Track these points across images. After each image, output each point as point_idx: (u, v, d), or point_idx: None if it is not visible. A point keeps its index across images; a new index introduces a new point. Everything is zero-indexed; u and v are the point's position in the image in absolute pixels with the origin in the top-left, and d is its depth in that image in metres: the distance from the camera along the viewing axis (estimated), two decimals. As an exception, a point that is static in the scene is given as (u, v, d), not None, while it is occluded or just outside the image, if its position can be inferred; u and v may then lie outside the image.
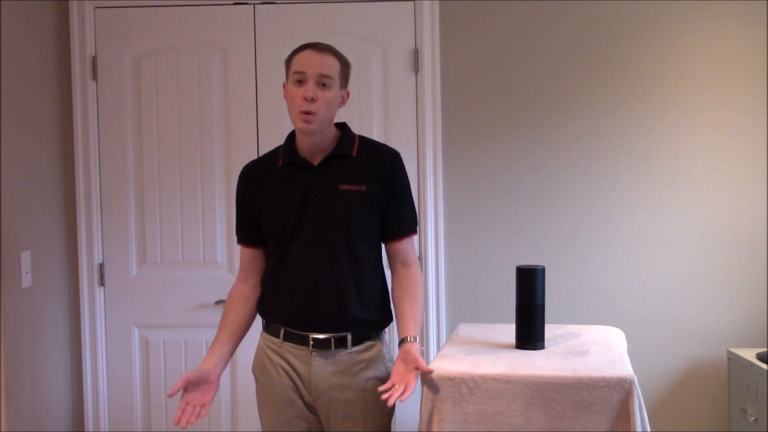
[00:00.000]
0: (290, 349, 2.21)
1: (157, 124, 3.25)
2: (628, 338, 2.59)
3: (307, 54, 2.13)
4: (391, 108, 3.21)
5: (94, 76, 3.24)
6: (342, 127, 2.27)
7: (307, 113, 2.10)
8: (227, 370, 3.27)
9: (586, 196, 3.19)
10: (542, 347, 2.33)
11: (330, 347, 2.18)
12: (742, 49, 3.13)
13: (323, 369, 2.19)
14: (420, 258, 3.22)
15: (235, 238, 3.21)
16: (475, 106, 3.21)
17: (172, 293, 3.26)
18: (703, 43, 3.14)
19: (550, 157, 3.19)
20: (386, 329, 2.31)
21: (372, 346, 2.24)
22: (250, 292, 2.31)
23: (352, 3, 3.20)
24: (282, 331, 2.22)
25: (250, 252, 2.30)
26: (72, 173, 3.24)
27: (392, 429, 3.25)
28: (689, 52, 3.15)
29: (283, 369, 2.23)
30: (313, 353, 2.19)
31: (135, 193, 3.26)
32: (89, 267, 3.25)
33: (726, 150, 3.15)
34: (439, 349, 3.15)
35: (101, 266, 3.27)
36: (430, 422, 2.09)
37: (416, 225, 2.31)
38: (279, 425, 2.25)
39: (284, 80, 2.20)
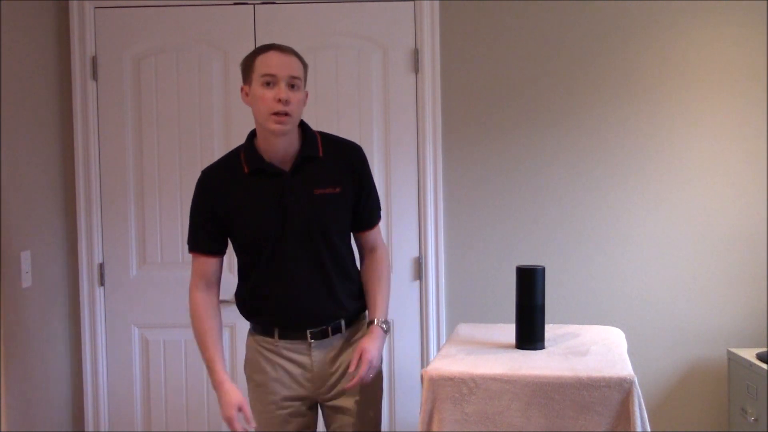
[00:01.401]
0: (287, 345, 2.26)
1: (157, 124, 3.25)
2: (628, 338, 2.59)
3: (274, 56, 2.13)
4: (391, 108, 3.21)
5: (94, 76, 3.24)
6: (301, 126, 2.27)
7: (282, 114, 2.12)
8: (228, 370, 3.26)
9: (587, 197, 3.19)
10: (542, 347, 2.34)
11: (328, 335, 2.26)
12: (742, 50, 3.13)
13: (324, 357, 2.27)
14: (420, 258, 3.22)
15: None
16: (475, 106, 3.21)
17: (172, 293, 3.26)
18: (704, 44, 3.14)
19: (550, 157, 3.19)
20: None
21: (360, 327, 2.34)
22: (216, 301, 2.29)
23: (352, 3, 3.20)
24: (277, 330, 2.26)
25: (213, 261, 2.27)
26: (72, 173, 3.24)
27: (392, 429, 3.27)
28: (690, 53, 3.15)
29: (281, 366, 2.26)
30: (312, 344, 2.25)
31: (135, 193, 3.26)
32: (89, 267, 3.25)
33: (726, 150, 3.15)
34: (439, 349, 3.15)
35: (101, 266, 3.27)
36: (430, 422, 2.09)
37: (380, 212, 2.41)
38: (272, 425, 2.27)
39: (243, 84, 2.18)
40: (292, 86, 2.13)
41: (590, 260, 3.20)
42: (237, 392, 2.19)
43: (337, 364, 2.28)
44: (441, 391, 2.07)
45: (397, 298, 3.12)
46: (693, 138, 3.16)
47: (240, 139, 3.21)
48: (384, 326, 2.28)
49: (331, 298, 2.24)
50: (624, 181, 3.18)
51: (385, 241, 3.21)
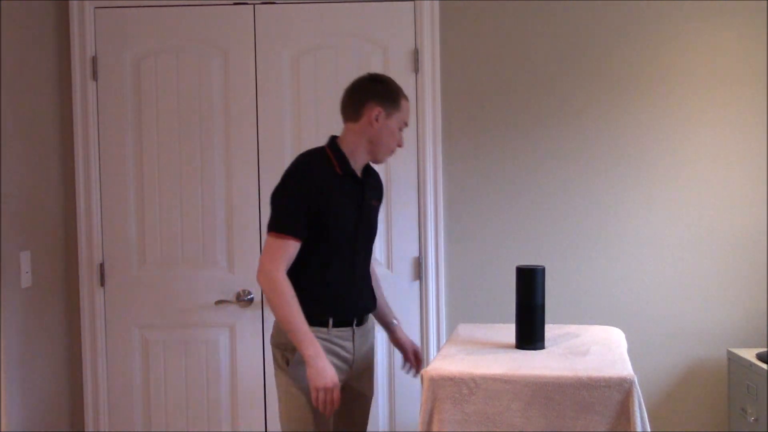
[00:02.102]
0: (337, 333, 2.45)
1: (157, 124, 3.25)
2: (628, 338, 2.59)
3: (408, 107, 2.55)
4: (391, 108, 3.20)
5: (94, 76, 3.24)
6: None
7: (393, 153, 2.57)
8: (228, 370, 3.27)
9: (586, 196, 3.19)
10: (542, 347, 2.34)
11: (364, 322, 2.55)
12: (742, 49, 3.13)
13: (360, 344, 2.52)
14: (420, 258, 3.22)
15: (233, 237, 3.23)
16: (475, 106, 3.21)
17: (172, 293, 3.26)
18: (704, 43, 3.14)
19: (550, 157, 3.19)
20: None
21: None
22: None
23: (352, 3, 3.20)
24: (331, 320, 2.44)
25: (299, 246, 2.39)
26: (72, 173, 3.24)
27: (392, 429, 3.27)
28: (690, 51, 3.15)
29: (333, 352, 2.43)
30: (355, 331, 2.49)
31: (135, 193, 3.26)
32: (89, 267, 3.25)
33: (726, 150, 3.15)
34: (439, 349, 3.15)
35: (101, 266, 3.27)
36: (430, 422, 2.09)
37: None
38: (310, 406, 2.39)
39: (378, 107, 2.45)
40: None
41: (590, 260, 3.20)
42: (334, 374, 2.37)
43: (364, 350, 2.54)
44: (441, 391, 2.08)
45: (397, 298, 3.12)
46: (693, 138, 3.16)
47: (239, 139, 3.22)
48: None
49: (371, 291, 2.60)
50: (624, 182, 3.18)
51: (385, 241, 3.23)
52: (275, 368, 2.47)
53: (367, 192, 2.52)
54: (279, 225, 2.37)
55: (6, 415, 2.73)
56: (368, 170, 2.56)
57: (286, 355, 2.40)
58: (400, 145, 2.54)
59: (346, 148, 2.48)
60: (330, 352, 2.41)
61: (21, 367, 2.85)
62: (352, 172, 2.47)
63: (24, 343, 2.88)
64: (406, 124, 2.54)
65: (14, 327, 2.80)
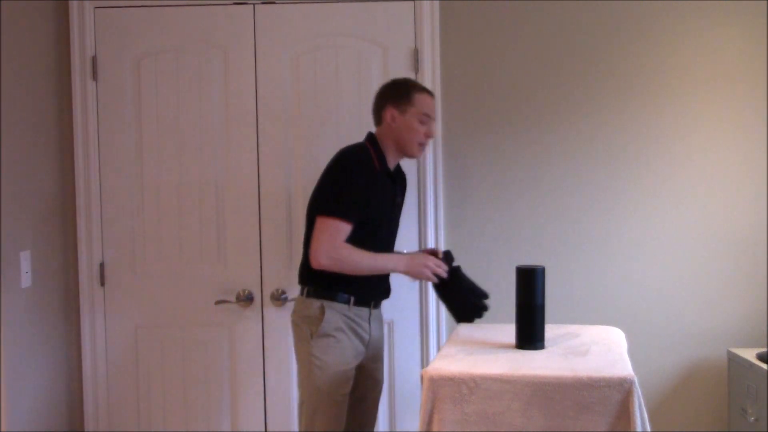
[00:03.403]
0: (356, 311, 2.68)
1: (157, 124, 3.25)
2: (628, 338, 2.59)
3: (431, 101, 2.74)
4: (391, 108, 3.20)
5: (94, 76, 3.24)
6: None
7: (424, 146, 2.74)
8: (228, 370, 3.27)
9: (586, 196, 3.19)
10: (542, 347, 2.34)
11: (378, 306, 2.79)
12: (742, 49, 3.13)
13: (375, 323, 2.77)
14: (420, 258, 3.21)
15: (234, 237, 3.23)
16: (475, 105, 3.21)
17: (172, 293, 3.26)
18: (703, 43, 3.14)
19: (550, 156, 3.19)
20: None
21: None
22: None
23: (352, 3, 3.20)
24: (352, 299, 2.66)
25: (350, 228, 2.59)
26: (72, 173, 3.24)
27: (392, 429, 3.27)
28: (690, 51, 3.15)
29: (354, 331, 2.67)
30: (372, 313, 2.73)
31: (135, 193, 3.26)
32: (89, 267, 3.25)
33: (726, 150, 3.15)
34: (439, 349, 3.15)
35: (101, 266, 3.26)
36: (430, 422, 2.09)
37: None
38: (343, 378, 2.64)
39: (391, 107, 2.68)
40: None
41: (590, 260, 3.20)
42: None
43: (378, 335, 2.79)
44: (441, 391, 2.08)
45: (397, 298, 3.12)
46: (693, 138, 3.16)
47: (239, 139, 3.22)
48: None
49: (388, 281, 2.81)
50: (624, 182, 3.18)
51: (385, 241, 3.24)
52: (297, 341, 2.70)
53: (396, 190, 2.77)
54: (333, 209, 2.58)
55: (6, 415, 2.73)
56: (398, 170, 2.80)
57: (311, 328, 2.63)
58: (429, 136, 2.71)
59: (382, 146, 2.71)
60: (352, 330, 2.66)
61: (21, 367, 2.85)
62: (387, 170, 2.70)
63: (24, 343, 2.88)
64: (427, 116, 2.69)
65: (14, 327, 2.80)
